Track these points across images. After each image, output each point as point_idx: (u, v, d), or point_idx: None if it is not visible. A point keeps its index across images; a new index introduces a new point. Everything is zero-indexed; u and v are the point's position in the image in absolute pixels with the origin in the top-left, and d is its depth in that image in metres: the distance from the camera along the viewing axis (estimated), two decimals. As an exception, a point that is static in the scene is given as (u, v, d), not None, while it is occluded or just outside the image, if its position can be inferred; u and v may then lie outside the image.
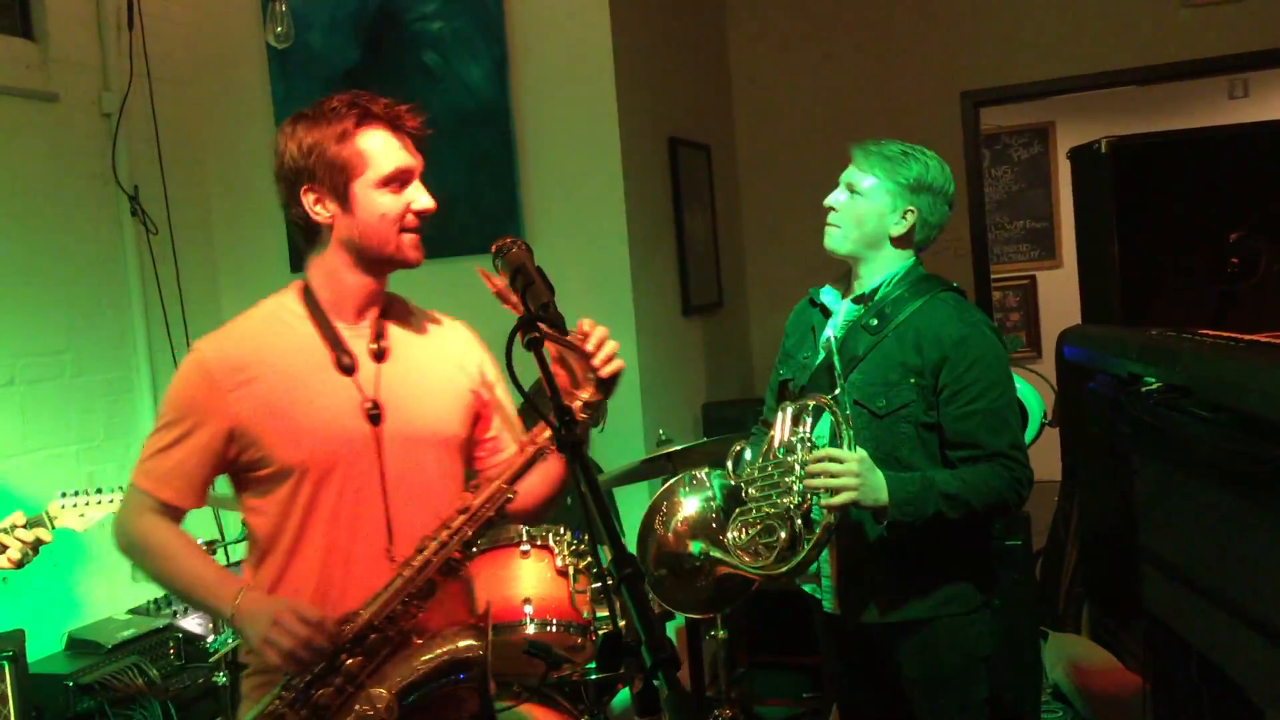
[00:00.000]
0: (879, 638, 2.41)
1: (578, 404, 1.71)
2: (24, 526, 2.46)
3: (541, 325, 1.42)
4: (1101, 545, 3.85)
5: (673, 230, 4.55)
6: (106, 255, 4.03)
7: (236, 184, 4.50)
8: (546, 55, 4.10)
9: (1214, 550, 1.87)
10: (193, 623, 3.66)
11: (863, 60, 5.15)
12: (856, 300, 2.41)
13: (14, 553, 2.35)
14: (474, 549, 1.80)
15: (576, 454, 1.27)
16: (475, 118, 4.13)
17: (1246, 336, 1.98)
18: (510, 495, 1.79)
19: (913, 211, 2.36)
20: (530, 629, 2.80)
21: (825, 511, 2.15)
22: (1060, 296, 7.08)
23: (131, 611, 3.74)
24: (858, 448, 2.19)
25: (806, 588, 2.53)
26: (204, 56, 4.45)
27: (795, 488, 2.21)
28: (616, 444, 3.97)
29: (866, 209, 2.35)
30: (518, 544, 2.89)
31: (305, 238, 1.89)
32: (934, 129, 4.85)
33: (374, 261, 1.85)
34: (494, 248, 1.69)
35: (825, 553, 2.37)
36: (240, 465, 1.84)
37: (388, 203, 1.81)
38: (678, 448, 3.06)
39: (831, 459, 2.16)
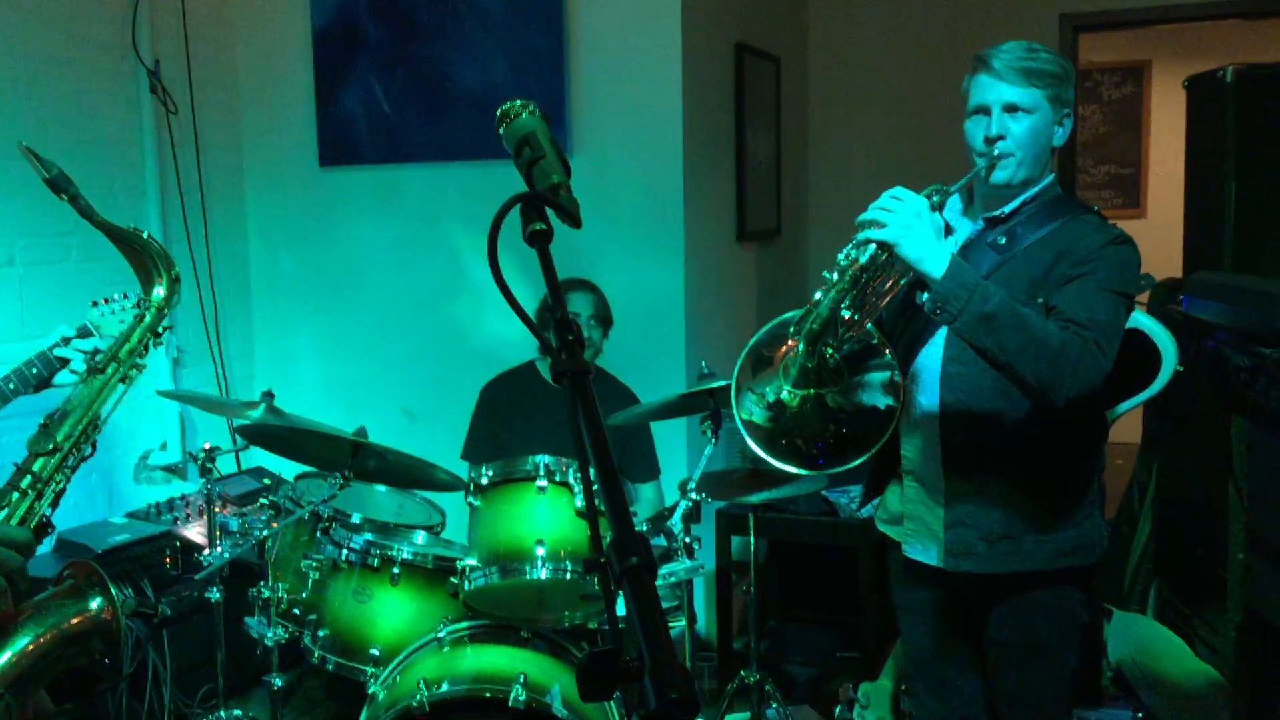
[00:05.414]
0: (970, 589, 2.17)
1: None
2: (75, 338, 2.56)
3: (547, 208, 1.05)
4: (1183, 524, 3.51)
5: (732, 147, 4.18)
6: (122, 134, 3.76)
7: (267, 66, 4.20)
8: (606, -59, 3.73)
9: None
10: (193, 532, 3.46)
11: (954, -28, 4.70)
12: (990, 221, 2.16)
13: (79, 363, 2.40)
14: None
15: (578, 385, 0.95)
16: (525, 8, 3.78)
17: None
18: (96, 425, 1.61)
19: (1068, 113, 2.12)
20: (542, 572, 2.51)
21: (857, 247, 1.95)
22: (1143, 249, 6.69)
23: (129, 515, 3.54)
24: (930, 212, 1.96)
25: (890, 531, 2.29)
26: (238, -75, 4.13)
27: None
28: (657, 374, 3.66)
29: (1038, 126, 2.09)
30: (533, 477, 2.58)
31: None
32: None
33: None
34: (499, 112, 1.29)
35: (920, 491, 2.18)
36: None
37: None
38: (720, 384, 2.72)
39: (895, 197, 1.96)
